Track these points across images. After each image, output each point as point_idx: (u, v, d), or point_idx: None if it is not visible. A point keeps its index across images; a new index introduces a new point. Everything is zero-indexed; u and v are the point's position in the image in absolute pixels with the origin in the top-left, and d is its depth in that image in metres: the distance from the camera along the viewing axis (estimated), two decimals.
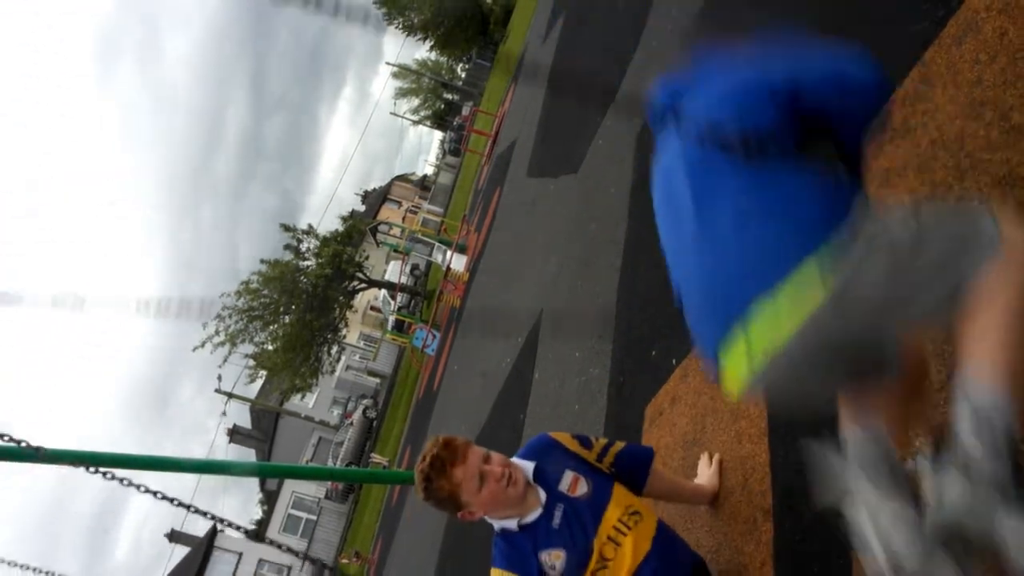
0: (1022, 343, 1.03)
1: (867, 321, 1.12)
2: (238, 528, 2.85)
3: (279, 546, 2.65)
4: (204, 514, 2.76)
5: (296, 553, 2.73)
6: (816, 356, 1.14)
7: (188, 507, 2.71)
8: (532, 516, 1.73)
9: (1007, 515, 0.96)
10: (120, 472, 2.51)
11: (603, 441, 1.94)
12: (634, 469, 1.95)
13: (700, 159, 1.27)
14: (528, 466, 1.79)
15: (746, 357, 1.18)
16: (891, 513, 1.08)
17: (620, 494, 1.78)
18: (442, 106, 51.35)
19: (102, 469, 2.53)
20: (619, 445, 1.95)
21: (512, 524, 1.73)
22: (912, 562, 1.04)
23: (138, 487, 2.54)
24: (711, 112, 1.27)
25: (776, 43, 1.33)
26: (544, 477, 1.76)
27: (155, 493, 2.58)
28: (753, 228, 1.18)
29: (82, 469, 2.55)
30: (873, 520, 1.10)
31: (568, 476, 1.77)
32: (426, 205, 36.25)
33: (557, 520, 1.71)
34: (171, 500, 2.64)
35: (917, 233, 1.10)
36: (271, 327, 21.13)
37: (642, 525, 1.73)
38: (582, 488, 1.76)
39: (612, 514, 1.72)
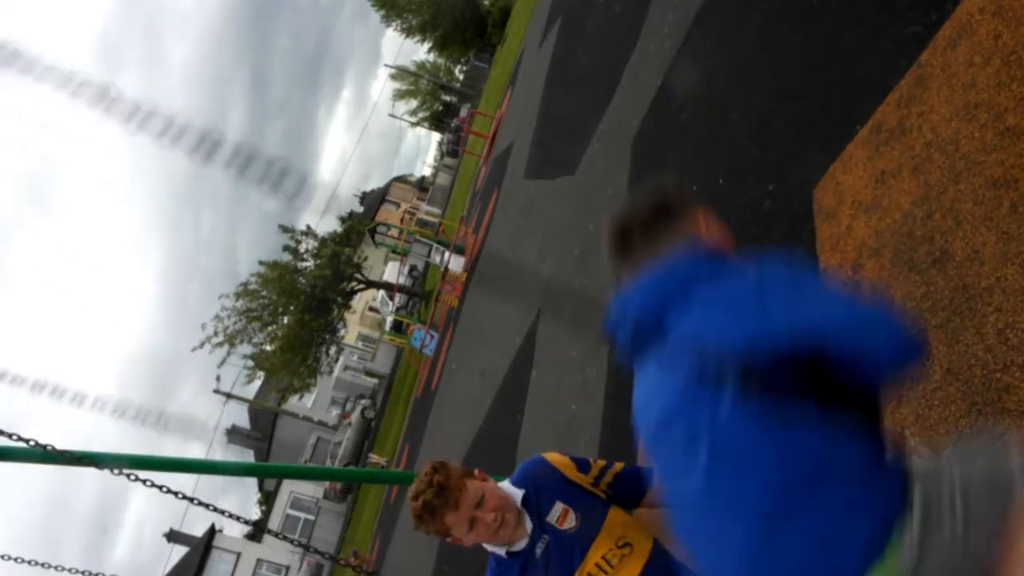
0: None
1: None
2: (247, 522, 2.84)
3: (284, 537, 2.64)
4: (215, 509, 2.75)
5: (302, 544, 2.72)
6: None
7: (207, 506, 2.70)
8: (519, 545, 1.73)
9: None
10: (140, 473, 2.52)
11: (601, 463, 1.89)
12: (633, 487, 1.95)
13: (710, 398, 1.08)
14: (517, 494, 1.78)
15: None
16: None
17: (613, 524, 1.74)
18: (440, 108, 51.34)
19: (125, 471, 2.53)
20: (618, 466, 1.92)
21: (500, 551, 1.75)
22: None
23: (161, 488, 2.54)
24: (710, 337, 1.09)
25: (781, 276, 1.12)
26: (533, 506, 1.76)
27: (177, 494, 2.57)
28: (791, 516, 1.00)
29: (93, 469, 2.56)
30: None
31: (558, 508, 1.77)
32: (424, 206, 36.25)
33: (540, 551, 1.72)
34: (191, 500, 2.64)
35: (961, 500, 0.97)
36: (269, 328, 21.12)
37: (631, 559, 1.69)
38: (570, 522, 1.76)
39: (597, 550, 1.69)
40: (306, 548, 2.60)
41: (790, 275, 1.12)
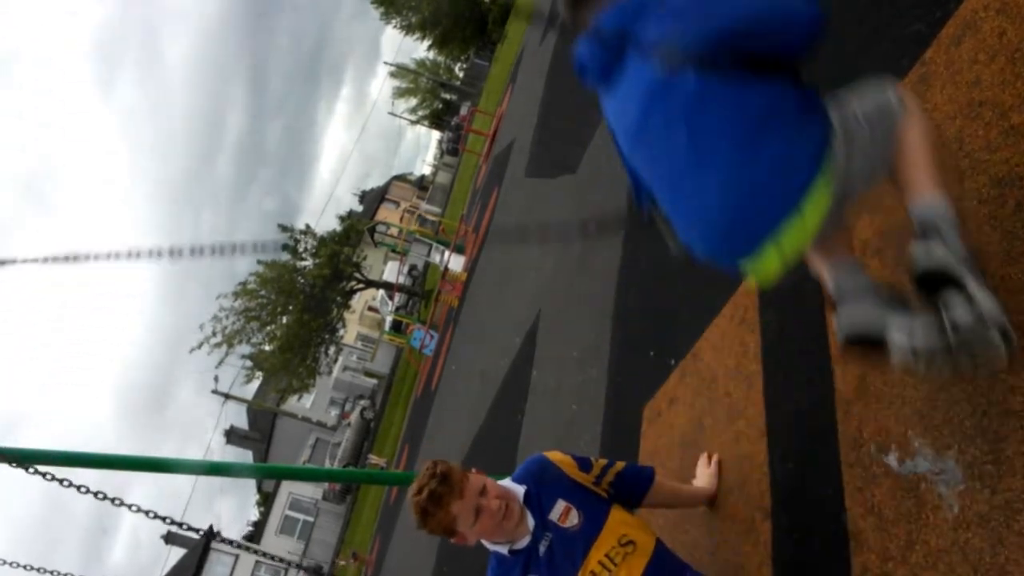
0: (942, 161, 1.45)
1: (854, 194, 1.43)
2: (189, 529, 2.78)
3: (272, 557, 2.60)
4: (155, 516, 2.70)
5: (289, 564, 2.67)
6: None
7: (133, 508, 2.65)
8: (521, 543, 1.71)
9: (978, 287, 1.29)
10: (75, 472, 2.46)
11: (602, 462, 1.89)
12: (634, 486, 1.93)
13: (677, 83, 1.39)
14: (519, 490, 1.76)
15: (779, 258, 1.41)
16: (921, 324, 1.34)
17: (615, 523, 1.74)
18: (440, 106, 51.30)
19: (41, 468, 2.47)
20: (619, 466, 1.91)
21: (503, 550, 1.73)
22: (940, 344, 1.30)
23: (62, 482, 2.48)
24: (675, 32, 1.39)
25: None
26: (535, 504, 1.74)
27: (80, 488, 2.50)
28: (758, 149, 1.34)
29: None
30: (905, 331, 1.35)
31: (560, 505, 1.75)
32: (424, 205, 36.21)
33: (543, 549, 1.69)
34: (98, 495, 2.55)
35: (865, 123, 1.42)
36: (268, 328, 21.10)
37: (633, 557, 1.69)
38: (573, 519, 1.74)
39: (601, 547, 1.68)
40: (298, 568, 2.55)
41: None
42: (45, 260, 2.27)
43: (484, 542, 1.77)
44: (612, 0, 1.50)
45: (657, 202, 1.57)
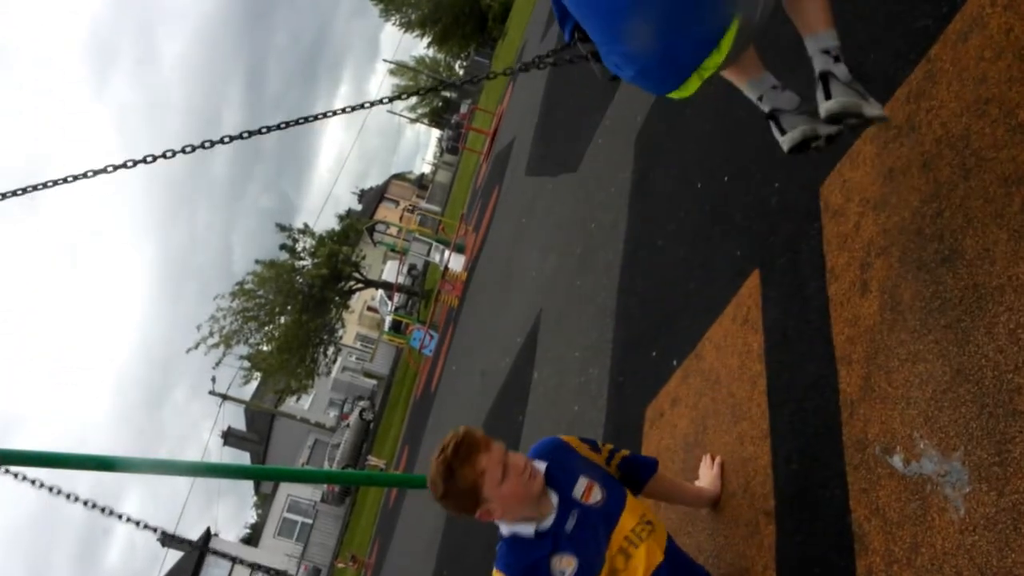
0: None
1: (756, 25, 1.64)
2: (147, 527, 2.71)
3: (267, 570, 2.56)
4: (117, 515, 2.65)
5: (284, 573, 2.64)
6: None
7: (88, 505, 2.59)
8: (547, 522, 1.64)
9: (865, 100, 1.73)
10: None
11: (609, 446, 1.89)
12: (639, 472, 1.92)
13: None
14: (541, 465, 1.70)
15: (698, 80, 1.66)
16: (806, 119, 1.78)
17: (634, 502, 1.72)
18: (440, 104, 51.25)
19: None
20: (624, 452, 1.91)
21: (529, 530, 1.65)
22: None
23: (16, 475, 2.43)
24: None
25: None
26: (557, 481, 1.68)
27: (33, 481, 2.46)
28: None
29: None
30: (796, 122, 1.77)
31: (582, 482, 1.70)
32: (423, 204, 36.19)
33: (570, 526, 1.63)
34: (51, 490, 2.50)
35: None
36: (266, 328, 21.05)
37: (655, 535, 1.68)
38: (596, 495, 1.69)
39: (626, 523, 1.65)
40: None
41: None
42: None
43: (506, 525, 1.69)
44: None
45: (585, 30, 1.76)
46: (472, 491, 1.57)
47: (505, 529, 1.69)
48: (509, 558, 1.65)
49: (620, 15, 1.59)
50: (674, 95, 1.73)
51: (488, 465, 1.55)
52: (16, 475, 2.39)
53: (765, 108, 1.82)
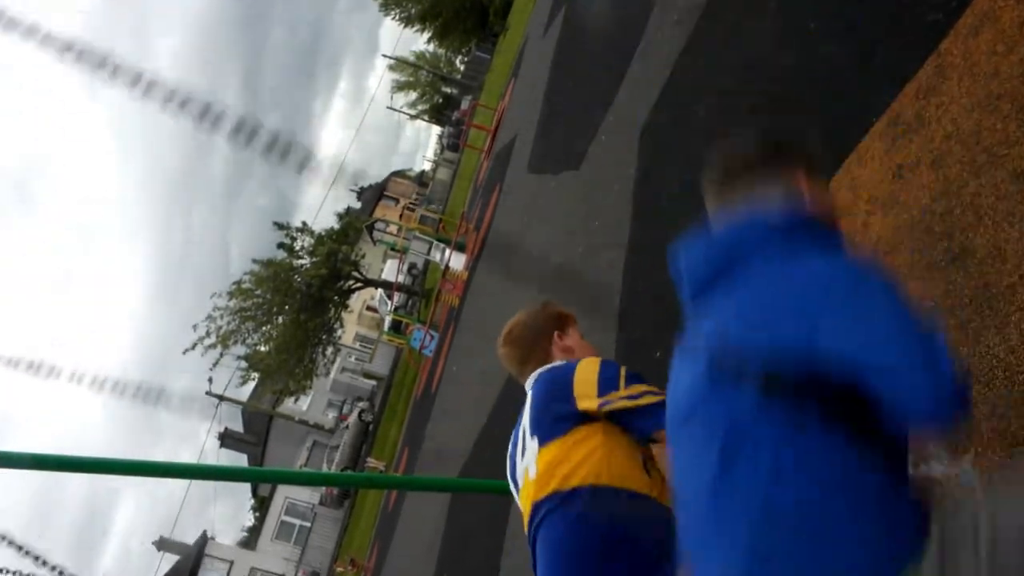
0: None
1: None
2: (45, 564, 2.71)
3: None
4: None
5: None
6: None
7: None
8: (528, 385, 1.73)
9: None
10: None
11: (631, 392, 1.52)
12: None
13: (723, 396, 1.02)
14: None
15: None
16: None
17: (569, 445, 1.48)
18: (440, 100, 51.13)
19: None
20: (645, 401, 1.52)
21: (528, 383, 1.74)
22: None
23: None
24: (732, 330, 1.03)
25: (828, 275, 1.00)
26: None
27: None
28: (796, 490, 0.96)
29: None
30: None
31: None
32: (422, 211, 36.08)
33: (527, 404, 1.67)
34: None
35: (990, 548, 0.99)
36: (264, 328, 20.97)
37: (559, 474, 1.44)
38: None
39: (546, 454, 1.48)
40: None
41: (855, 279, 0.98)
42: None
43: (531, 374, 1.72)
44: (738, 209, 1.13)
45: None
46: (561, 317, 1.83)
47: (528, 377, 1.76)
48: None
49: (703, 509, 1.05)
50: None
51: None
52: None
53: None
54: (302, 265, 21.71)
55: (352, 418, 26.44)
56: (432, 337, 16.58)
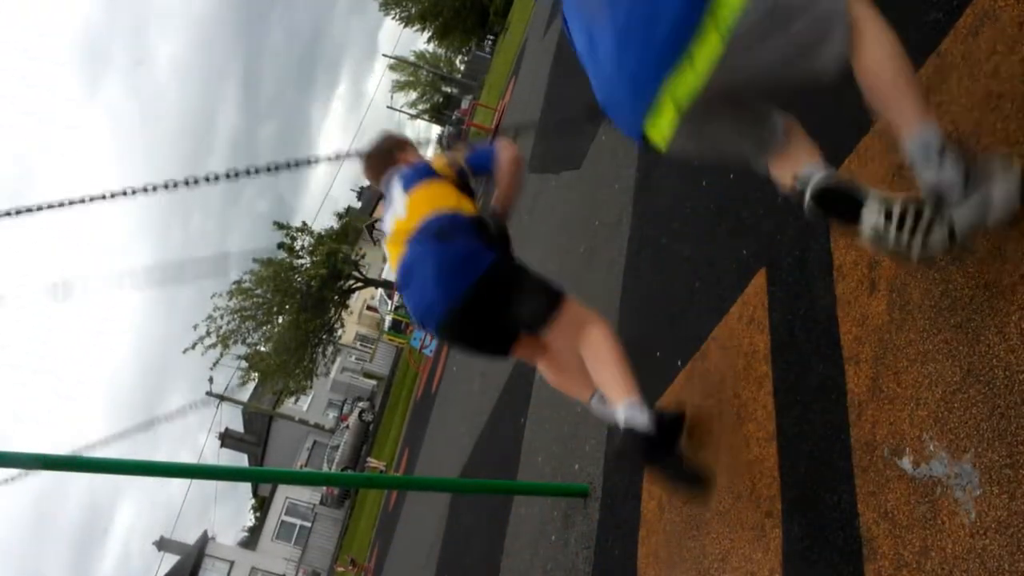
0: (912, 80, 1.46)
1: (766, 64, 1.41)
2: None
3: None
4: None
5: None
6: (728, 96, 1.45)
7: None
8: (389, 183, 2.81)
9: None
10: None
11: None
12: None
13: None
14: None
15: (673, 107, 1.36)
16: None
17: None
18: (440, 100, 51.10)
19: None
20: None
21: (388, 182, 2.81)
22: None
23: None
24: None
25: None
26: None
27: None
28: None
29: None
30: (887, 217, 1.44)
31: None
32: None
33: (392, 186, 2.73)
34: None
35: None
36: (264, 327, 20.94)
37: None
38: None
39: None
40: None
41: None
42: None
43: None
44: None
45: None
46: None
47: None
48: None
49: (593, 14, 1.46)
50: (650, 132, 1.44)
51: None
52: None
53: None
54: (302, 265, 21.70)
55: (352, 418, 26.45)
56: (432, 337, 16.55)
